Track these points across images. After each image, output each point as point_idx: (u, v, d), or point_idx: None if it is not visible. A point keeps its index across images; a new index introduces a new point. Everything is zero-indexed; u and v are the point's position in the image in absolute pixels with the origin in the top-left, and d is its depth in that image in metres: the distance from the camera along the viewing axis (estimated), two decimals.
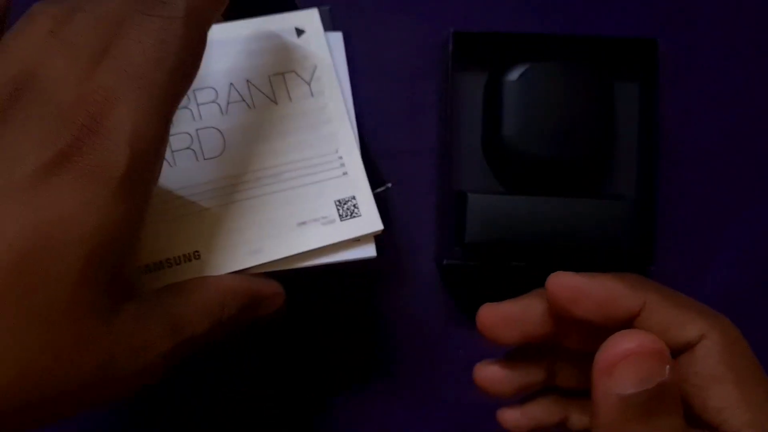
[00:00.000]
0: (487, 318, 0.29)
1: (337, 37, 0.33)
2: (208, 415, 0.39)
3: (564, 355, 0.30)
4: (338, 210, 0.31)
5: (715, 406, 0.25)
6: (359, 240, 0.31)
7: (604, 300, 0.27)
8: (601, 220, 0.36)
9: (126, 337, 0.24)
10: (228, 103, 0.31)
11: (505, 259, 0.37)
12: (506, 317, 0.29)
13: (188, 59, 0.25)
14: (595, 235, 0.36)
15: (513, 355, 0.31)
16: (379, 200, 0.31)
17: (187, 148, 0.31)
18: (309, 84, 0.32)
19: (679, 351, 0.26)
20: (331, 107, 0.32)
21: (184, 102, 0.25)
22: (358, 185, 0.31)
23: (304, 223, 0.30)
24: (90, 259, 0.22)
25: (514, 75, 0.38)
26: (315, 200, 0.31)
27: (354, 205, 0.31)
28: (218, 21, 0.27)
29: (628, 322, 0.27)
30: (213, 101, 0.31)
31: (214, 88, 0.31)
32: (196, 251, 0.29)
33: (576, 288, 0.27)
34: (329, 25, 0.33)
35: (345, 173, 0.31)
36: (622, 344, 0.24)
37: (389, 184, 0.33)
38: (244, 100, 0.31)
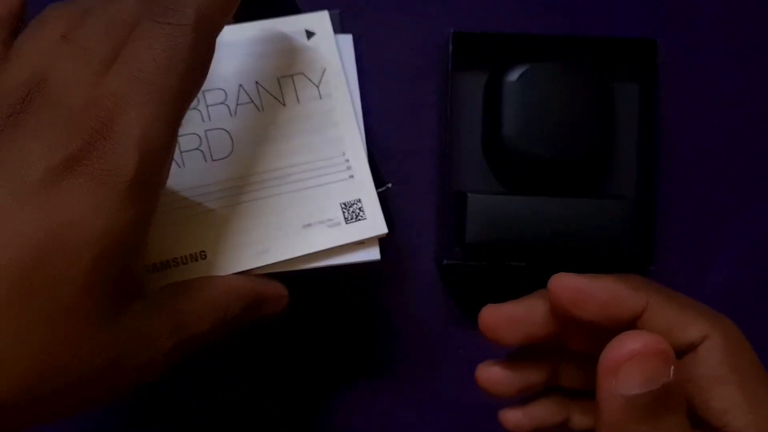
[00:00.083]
0: (490, 319, 0.29)
1: (346, 40, 0.33)
2: (208, 415, 0.39)
3: (566, 355, 0.30)
4: (344, 213, 0.31)
5: (717, 407, 0.25)
6: (363, 243, 0.31)
7: (607, 301, 0.27)
8: (601, 220, 0.36)
9: (132, 335, 0.25)
10: (237, 105, 0.31)
11: (505, 259, 0.37)
12: (509, 318, 0.29)
13: (197, 66, 0.25)
14: (595, 235, 0.36)
15: (515, 355, 0.31)
16: (380, 200, 0.31)
17: (196, 149, 0.31)
18: (317, 86, 0.32)
19: (681, 352, 0.26)
20: (339, 110, 0.32)
21: (193, 103, 0.25)
22: (364, 188, 0.31)
23: (309, 225, 0.30)
24: (99, 261, 0.23)
25: (514, 75, 0.38)
26: (321, 202, 0.31)
27: (359, 208, 0.31)
28: (228, 23, 0.27)
29: (630, 324, 0.27)
30: (222, 103, 0.31)
31: (223, 90, 0.31)
32: (203, 251, 0.30)
33: (578, 289, 0.27)
34: (338, 28, 0.33)
35: (351, 176, 0.31)
36: (627, 345, 0.23)
37: (390, 184, 0.33)
38: (252, 102, 0.31)
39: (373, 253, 0.31)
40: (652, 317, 0.26)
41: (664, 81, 0.39)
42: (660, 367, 0.23)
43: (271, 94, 0.31)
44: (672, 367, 0.23)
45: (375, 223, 0.31)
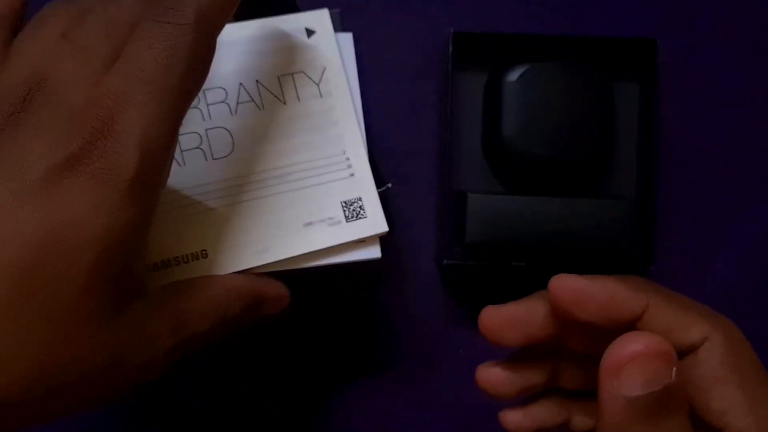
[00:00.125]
0: (490, 320, 0.29)
1: (347, 38, 0.33)
2: (208, 415, 0.39)
3: (567, 356, 0.30)
4: (344, 211, 0.31)
5: (718, 408, 0.25)
6: (364, 241, 0.31)
7: (607, 302, 0.27)
8: (601, 220, 0.36)
9: (132, 334, 0.25)
10: (237, 104, 0.31)
11: (505, 259, 0.37)
12: (509, 319, 0.29)
13: (197, 65, 0.25)
14: (595, 235, 0.36)
15: (515, 356, 0.31)
16: (380, 200, 0.31)
17: (197, 147, 0.31)
18: (318, 84, 0.32)
19: (682, 353, 0.26)
20: (339, 108, 0.32)
21: (194, 102, 0.25)
22: (365, 187, 0.31)
23: (310, 223, 0.30)
24: (100, 260, 0.23)
25: (514, 75, 0.38)
26: (322, 201, 0.31)
27: (360, 207, 0.31)
28: (229, 21, 0.27)
29: (630, 325, 0.27)
30: (222, 101, 0.31)
31: (223, 88, 0.31)
32: (204, 250, 0.30)
33: (578, 290, 0.27)
34: (339, 26, 0.33)
35: (352, 174, 0.31)
36: (629, 346, 0.23)
37: (390, 184, 0.33)
38: (253, 101, 0.31)
39: (374, 252, 0.31)
40: (653, 318, 0.26)
41: (664, 81, 0.39)
42: (662, 369, 0.23)
43: (271, 93, 0.31)
44: (674, 369, 0.23)
45: (376, 222, 0.31)
